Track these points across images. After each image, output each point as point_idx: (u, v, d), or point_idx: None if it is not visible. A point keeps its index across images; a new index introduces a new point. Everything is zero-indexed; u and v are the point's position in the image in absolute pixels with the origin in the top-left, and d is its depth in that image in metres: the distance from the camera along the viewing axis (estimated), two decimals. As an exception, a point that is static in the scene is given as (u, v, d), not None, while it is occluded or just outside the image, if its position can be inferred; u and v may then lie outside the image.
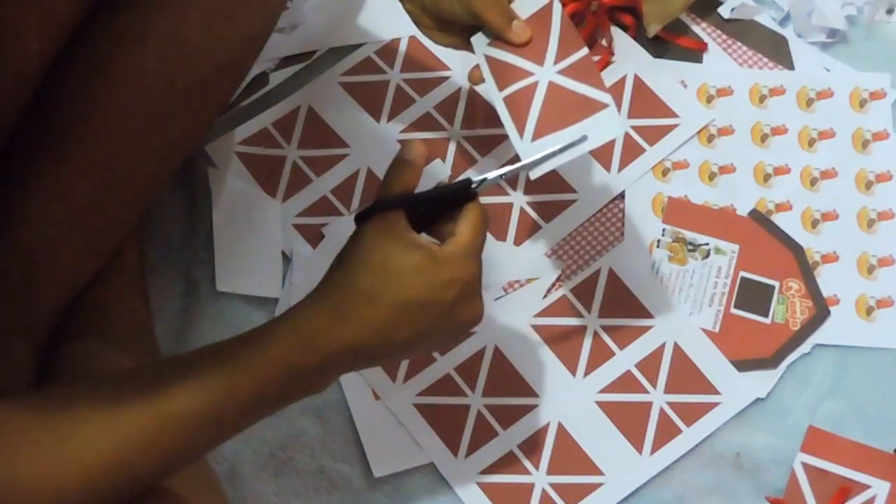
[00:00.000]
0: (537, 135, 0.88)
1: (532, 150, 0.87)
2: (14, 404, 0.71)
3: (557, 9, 0.91)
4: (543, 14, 0.91)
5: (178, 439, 0.73)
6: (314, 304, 0.78)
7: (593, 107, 0.88)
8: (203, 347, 0.77)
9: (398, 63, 1.21)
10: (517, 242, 1.12)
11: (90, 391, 0.74)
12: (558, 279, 1.10)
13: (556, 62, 0.90)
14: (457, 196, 0.84)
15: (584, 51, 0.90)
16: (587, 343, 1.08)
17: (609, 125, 0.88)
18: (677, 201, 1.14)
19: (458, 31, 0.94)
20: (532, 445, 1.04)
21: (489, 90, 0.91)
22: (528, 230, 1.13)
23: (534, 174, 0.87)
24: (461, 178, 0.88)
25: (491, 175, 0.85)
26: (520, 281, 1.11)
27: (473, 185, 0.84)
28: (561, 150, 0.87)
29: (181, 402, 0.73)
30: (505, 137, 1.01)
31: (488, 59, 0.91)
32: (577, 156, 0.87)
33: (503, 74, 0.91)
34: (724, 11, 1.23)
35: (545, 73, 0.90)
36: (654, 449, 1.03)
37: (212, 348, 0.77)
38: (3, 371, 0.97)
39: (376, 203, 0.81)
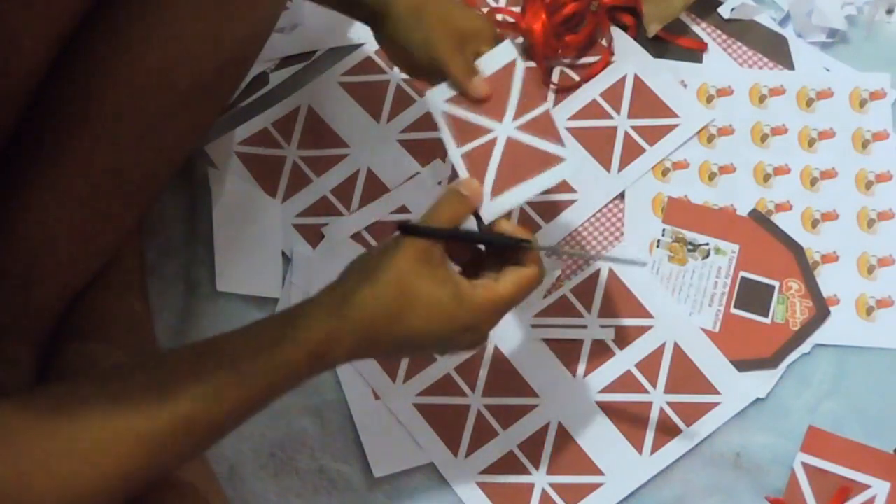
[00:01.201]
0: (495, 193, 0.88)
1: (490, 208, 0.87)
2: (19, 404, 0.71)
3: (520, 67, 0.91)
4: (506, 71, 0.91)
5: (187, 438, 0.74)
6: (335, 324, 0.78)
7: (550, 161, 0.88)
8: (213, 345, 0.77)
9: (398, 63, 1.21)
10: (517, 242, 1.12)
11: (98, 390, 0.74)
12: (558, 279, 1.10)
13: (514, 118, 0.90)
14: (505, 244, 0.85)
15: (544, 107, 0.90)
16: (587, 343, 1.08)
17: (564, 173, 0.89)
18: (677, 201, 1.14)
19: (427, 75, 0.94)
20: (532, 445, 1.04)
21: (447, 146, 0.91)
22: (529, 230, 1.12)
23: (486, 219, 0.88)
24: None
25: (550, 249, 0.86)
26: (520, 281, 1.11)
27: (527, 244, 0.84)
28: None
29: (192, 403, 0.73)
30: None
31: (447, 116, 0.91)
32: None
33: (462, 131, 0.91)
34: (724, 11, 1.23)
35: (504, 129, 0.90)
36: (654, 449, 1.03)
37: (224, 349, 0.77)
38: (3, 372, 0.97)
39: (424, 226, 0.81)
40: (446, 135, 0.91)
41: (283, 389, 0.78)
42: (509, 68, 0.92)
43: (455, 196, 0.84)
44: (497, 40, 0.93)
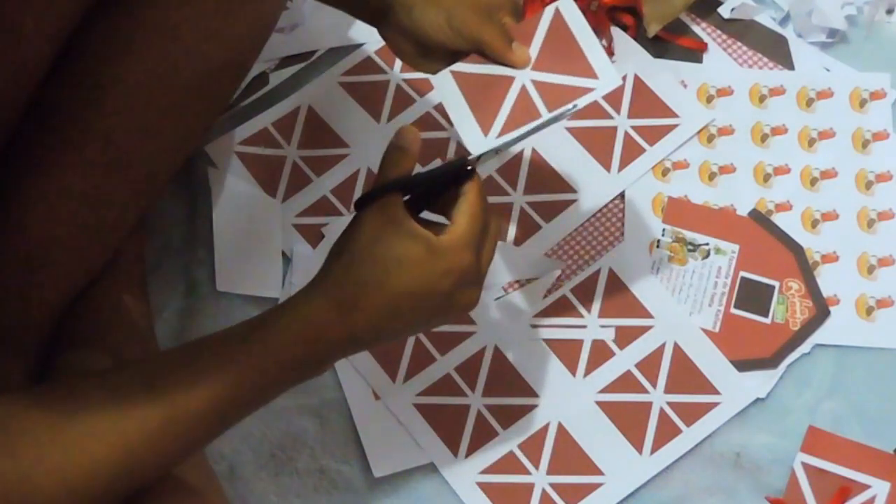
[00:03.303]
0: (506, 130, 0.87)
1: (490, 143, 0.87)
2: (17, 401, 0.71)
3: (548, 11, 0.90)
4: (533, 19, 0.91)
5: (184, 432, 0.74)
6: (317, 297, 0.79)
7: (577, 93, 0.88)
8: (206, 339, 0.78)
9: (398, 63, 1.21)
10: (517, 242, 1.12)
11: (95, 385, 0.74)
12: (558, 279, 1.10)
13: (535, 63, 0.89)
14: (455, 175, 0.84)
15: (577, 43, 0.89)
16: (587, 343, 1.08)
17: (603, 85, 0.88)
18: (677, 201, 1.14)
19: (442, 57, 0.93)
20: (532, 445, 1.04)
21: (451, 108, 0.89)
22: (528, 230, 1.13)
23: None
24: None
25: (485, 149, 0.86)
26: (520, 281, 1.11)
27: (469, 163, 0.84)
28: (550, 121, 0.87)
29: (187, 396, 0.73)
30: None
31: (457, 74, 0.90)
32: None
33: (475, 84, 0.90)
34: (724, 11, 1.23)
35: (524, 75, 0.89)
36: (654, 449, 1.03)
37: (216, 341, 0.77)
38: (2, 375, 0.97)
39: (375, 189, 0.81)
40: (454, 97, 0.89)
41: (277, 380, 0.78)
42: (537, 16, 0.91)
43: (395, 152, 0.83)
44: (519, 10, 0.92)
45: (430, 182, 0.85)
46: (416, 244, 0.79)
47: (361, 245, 0.79)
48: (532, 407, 1.05)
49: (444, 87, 0.90)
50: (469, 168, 0.83)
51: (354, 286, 0.78)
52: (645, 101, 1.18)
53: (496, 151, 0.86)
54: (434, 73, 0.93)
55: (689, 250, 1.11)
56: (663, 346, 1.07)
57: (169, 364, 0.76)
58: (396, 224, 0.79)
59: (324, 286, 0.79)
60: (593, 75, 0.88)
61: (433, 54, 0.93)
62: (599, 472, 1.03)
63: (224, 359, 0.76)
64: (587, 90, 0.88)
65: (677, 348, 1.07)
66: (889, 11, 1.23)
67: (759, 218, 1.13)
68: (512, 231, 1.13)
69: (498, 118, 0.88)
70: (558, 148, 1.16)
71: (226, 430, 0.78)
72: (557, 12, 0.90)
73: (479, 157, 0.85)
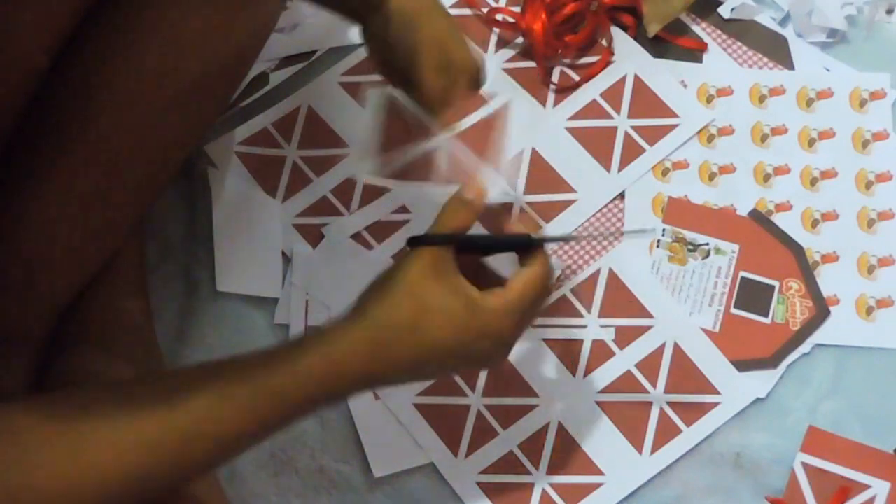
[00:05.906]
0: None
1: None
2: (26, 406, 0.71)
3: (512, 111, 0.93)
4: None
5: (202, 452, 0.73)
6: (350, 334, 0.78)
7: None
8: (232, 360, 0.77)
9: (398, 63, 1.21)
10: (517, 242, 1.12)
11: (109, 398, 0.73)
12: (558, 279, 1.10)
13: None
14: (513, 246, 0.85)
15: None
16: (587, 343, 1.08)
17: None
18: (677, 201, 1.14)
19: (400, 81, 0.95)
20: (532, 445, 1.04)
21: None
22: (534, 223, 1.12)
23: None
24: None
25: (553, 235, 0.87)
26: (520, 281, 1.11)
27: (533, 242, 0.84)
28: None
29: (208, 417, 0.73)
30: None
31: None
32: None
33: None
34: (724, 11, 1.23)
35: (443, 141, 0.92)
36: (654, 449, 1.03)
37: (238, 363, 0.76)
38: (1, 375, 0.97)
39: (432, 235, 0.82)
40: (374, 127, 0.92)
41: (296, 407, 0.77)
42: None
43: (458, 203, 0.83)
44: (478, 83, 0.94)
45: (487, 246, 0.86)
46: (458, 299, 0.79)
47: (403, 287, 0.79)
48: (532, 407, 1.05)
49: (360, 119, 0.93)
50: (532, 243, 0.84)
51: (389, 327, 0.78)
52: (645, 101, 1.18)
53: (565, 241, 0.88)
54: (396, 87, 0.96)
55: (689, 250, 1.11)
56: (663, 346, 1.07)
57: (192, 382, 0.74)
58: (442, 275, 0.79)
59: (358, 322, 0.79)
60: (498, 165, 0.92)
61: (395, 74, 0.95)
62: (599, 472, 1.03)
63: (249, 384, 0.75)
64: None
65: (677, 348, 1.07)
66: (889, 11, 1.23)
67: (759, 218, 1.13)
68: (512, 231, 1.13)
69: (396, 161, 0.90)
70: (558, 148, 1.16)
71: (242, 454, 0.77)
72: (505, 107, 0.93)
73: (545, 239, 0.85)
